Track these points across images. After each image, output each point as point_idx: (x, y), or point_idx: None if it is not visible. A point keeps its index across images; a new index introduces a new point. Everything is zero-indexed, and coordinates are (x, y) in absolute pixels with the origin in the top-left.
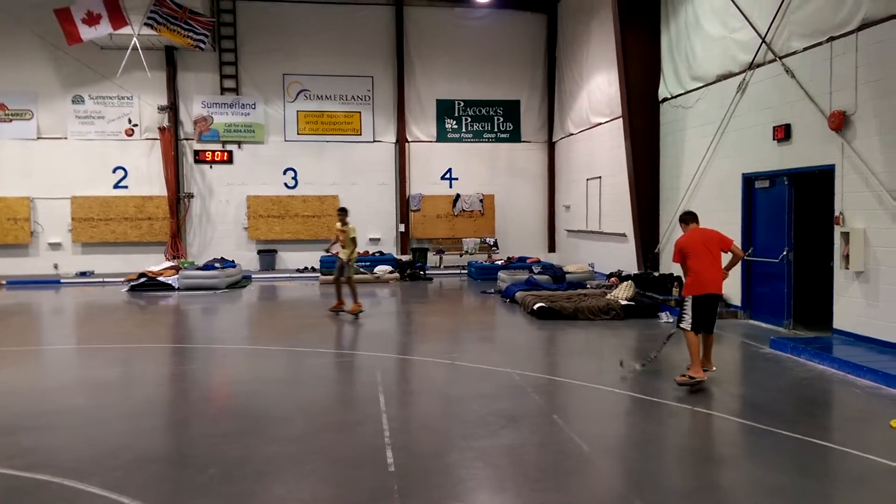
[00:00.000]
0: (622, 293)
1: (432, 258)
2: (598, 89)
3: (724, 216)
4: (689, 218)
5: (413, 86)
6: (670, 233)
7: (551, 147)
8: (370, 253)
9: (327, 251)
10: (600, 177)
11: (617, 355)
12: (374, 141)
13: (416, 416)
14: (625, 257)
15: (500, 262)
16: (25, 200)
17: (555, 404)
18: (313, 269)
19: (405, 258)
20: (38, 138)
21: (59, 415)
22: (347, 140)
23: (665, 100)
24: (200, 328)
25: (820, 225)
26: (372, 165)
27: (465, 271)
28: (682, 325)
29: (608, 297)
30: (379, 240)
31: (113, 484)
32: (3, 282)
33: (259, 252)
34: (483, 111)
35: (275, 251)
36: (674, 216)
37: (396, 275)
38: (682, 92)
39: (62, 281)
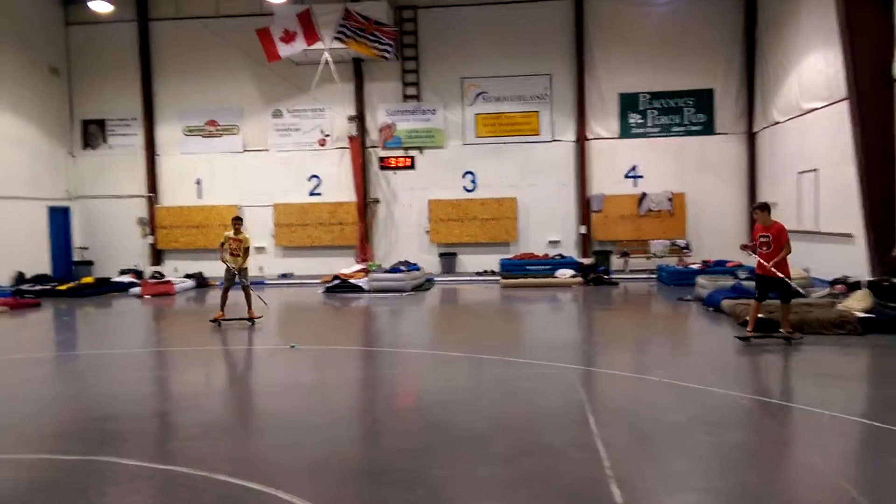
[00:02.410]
0: (857, 304)
1: (616, 261)
2: (812, 70)
3: None
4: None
5: (594, 81)
6: None
7: (751, 138)
8: (549, 256)
9: (224, 261)
10: (816, 169)
11: (864, 377)
12: (553, 140)
13: (634, 443)
14: (850, 261)
15: (695, 266)
16: (234, 208)
17: (804, 439)
18: (493, 272)
19: (587, 261)
20: (244, 151)
21: (267, 419)
22: (525, 141)
23: None
24: (390, 331)
25: None
26: (551, 165)
27: (654, 275)
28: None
29: (838, 307)
30: (559, 242)
31: (325, 500)
32: (217, 283)
33: (440, 255)
34: (671, 103)
35: (455, 254)
36: None
37: (579, 279)
38: None
39: (266, 282)
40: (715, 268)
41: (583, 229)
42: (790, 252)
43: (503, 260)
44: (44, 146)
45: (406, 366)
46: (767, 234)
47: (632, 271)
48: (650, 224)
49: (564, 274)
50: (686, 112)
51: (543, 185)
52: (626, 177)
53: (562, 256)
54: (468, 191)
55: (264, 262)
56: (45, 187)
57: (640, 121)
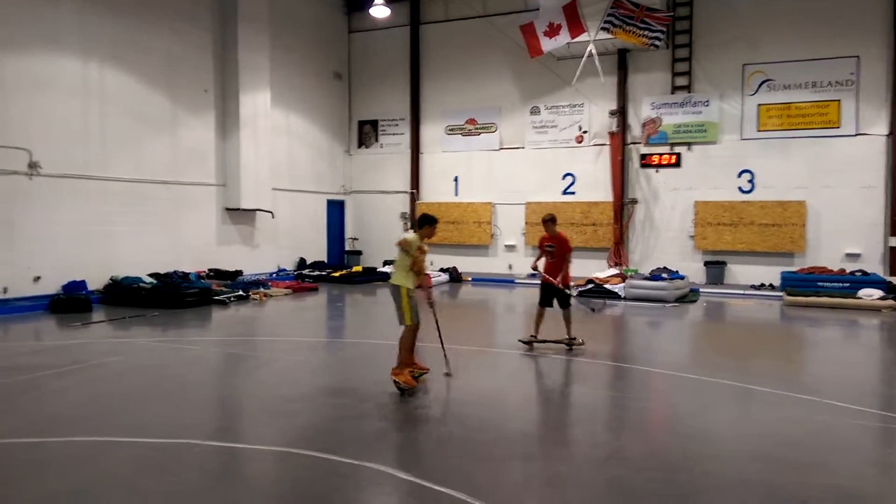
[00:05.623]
0: None
1: None
2: None
3: None
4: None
5: None
6: None
7: None
8: (847, 272)
9: None
10: None
11: None
12: (857, 134)
13: None
14: None
15: None
16: (488, 206)
17: None
18: (772, 287)
19: None
20: (500, 149)
21: (545, 444)
22: (820, 135)
23: None
24: (664, 349)
25: None
26: (852, 164)
27: None
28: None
29: None
30: (859, 255)
31: None
32: (469, 278)
33: (705, 263)
34: None
35: (724, 263)
36: None
37: (890, 302)
38: None
39: (516, 281)
40: None
41: (893, 241)
42: (570, 262)
43: (785, 273)
44: (325, 145)
45: (703, 398)
46: (552, 244)
47: None
48: None
49: (870, 295)
50: None
51: (841, 187)
52: None
53: (863, 273)
54: (744, 192)
55: (514, 261)
56: (326, 182)
57: None
